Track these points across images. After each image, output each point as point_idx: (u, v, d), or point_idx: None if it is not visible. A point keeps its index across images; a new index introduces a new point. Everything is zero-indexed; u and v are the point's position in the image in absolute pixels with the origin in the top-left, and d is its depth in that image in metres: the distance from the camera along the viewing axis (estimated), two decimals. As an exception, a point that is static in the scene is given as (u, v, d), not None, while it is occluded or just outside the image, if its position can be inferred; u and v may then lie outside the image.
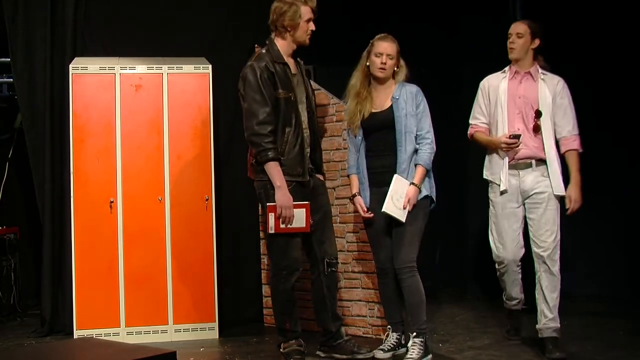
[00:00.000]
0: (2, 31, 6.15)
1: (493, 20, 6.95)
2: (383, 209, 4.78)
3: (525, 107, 5.00)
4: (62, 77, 6.07)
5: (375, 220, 5.00)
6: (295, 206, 4.77)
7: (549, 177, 4.95)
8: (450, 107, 7.01)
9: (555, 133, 5.00)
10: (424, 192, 4.92)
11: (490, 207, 5.17)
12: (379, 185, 4.94)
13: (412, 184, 4.85)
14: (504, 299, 5.37)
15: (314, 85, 5.99)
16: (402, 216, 4.82)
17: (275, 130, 4.79)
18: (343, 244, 5.76)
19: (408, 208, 4.83)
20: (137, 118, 5.78)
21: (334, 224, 5.74)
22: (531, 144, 4.97)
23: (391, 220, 4.90)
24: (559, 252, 4.96)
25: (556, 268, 4.94)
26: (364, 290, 5.67)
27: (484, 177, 5.20)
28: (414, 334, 4.85)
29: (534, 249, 5.00)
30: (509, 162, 5.01)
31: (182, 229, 5.82)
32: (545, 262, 4.92)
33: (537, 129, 4.96)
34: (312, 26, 4.94)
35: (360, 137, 5.02)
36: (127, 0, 6.34)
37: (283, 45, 4.95)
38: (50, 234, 6.11)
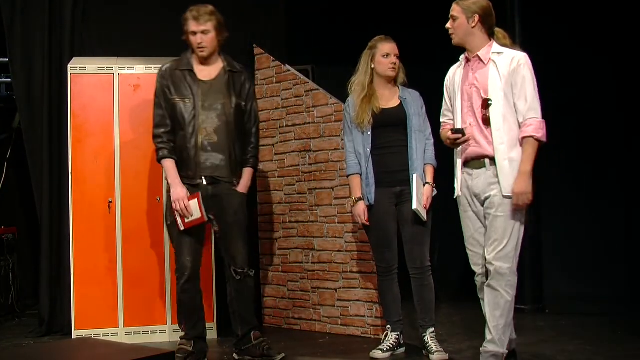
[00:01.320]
0: (1, 31, 6.14)
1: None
2: (414, 207, 4.80)
3: (475, 96, 4.35)
4: (60, 77, 6.07)
5: (382, 221, 5.00)
6: (188, 198, 4.86)
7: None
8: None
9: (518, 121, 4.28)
10: (434, 191, 5.01)
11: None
12: (389, 185, 4.97)
13: (427, 183, 4.95)
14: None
15: (312, 85, 6.00)
16: (425, 215, 4.88)
17: (171, 131, 4.95)
18: (342, 244, 5.76)
19: (427, 207, 4.92)
20: (135, 118, 5.77)
21: (333, 224, 5.77)
22: (482, 140, 4.30)
23: (399, 220, 4.95)
24: (509, 265, 4.23)
25: (502, 284, 4.22)
26: (363, 290, 5.67)
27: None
28: (432, 329, 4.98)
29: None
30: (462, 162, 4.44)
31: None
32: (491, 277, 4.28)
33: (486, 121, 4.28)
34: (196, 39, 5.01)
35: (369, 133, 5.00)
36: (125, 0, 6.33)
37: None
38: (49, 234, 6.11)
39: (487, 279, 4.32)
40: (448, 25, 4.40)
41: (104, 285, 5.70)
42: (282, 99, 6.18)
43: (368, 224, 5.04)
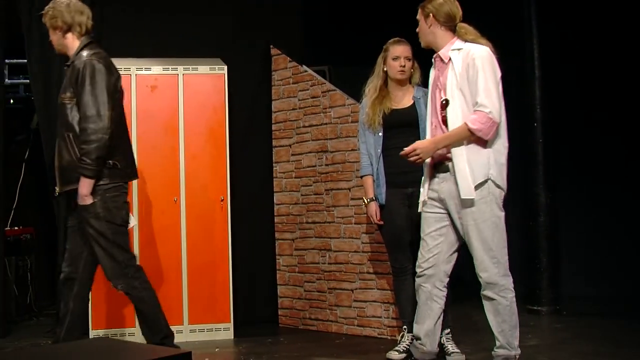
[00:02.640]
0: (19, 32, 6.18)
1: (507, 22, 6.95)
2: (420, 210, 4.70)
3: (437, 97, 4.27)
4: (77, 78, 6.08)
5: (395, 220, 5.00)
6: None
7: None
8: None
9: None
10: None
11: None
12: (400, 186, 4.95)
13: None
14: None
15: (329, 86, 6.00)
16: None
17: None
18: (358, 245, 5.76)
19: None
20: (152, 119, 5.79)
21: (349, 225, 5.76)
22: None
23: (412, 221, 4.91)
24: (496, 271, 4.20)
25: (495, 291, 4.20)
26: (379, 291, 5.66)
27: None
28: (447, 330, 4.96)
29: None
30: (430, 164, 4.35)
31: (198, 229, 5.82)
32: (483, 287, 4.25)
33: (445, 122, 4.19)
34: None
35: (380, 134, 5.00)
36: (142, 1, 6.35)
37: None
38: (65, 235, 6.12)
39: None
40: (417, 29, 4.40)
41: (121, 285, 5.71)
42: (299, 100, 6.18)
43: (381, 223, 5.04)
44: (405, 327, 5.09)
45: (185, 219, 5.81)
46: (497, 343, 4.26)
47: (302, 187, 6.15)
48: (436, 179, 4.29)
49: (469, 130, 4.06)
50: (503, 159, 4.21)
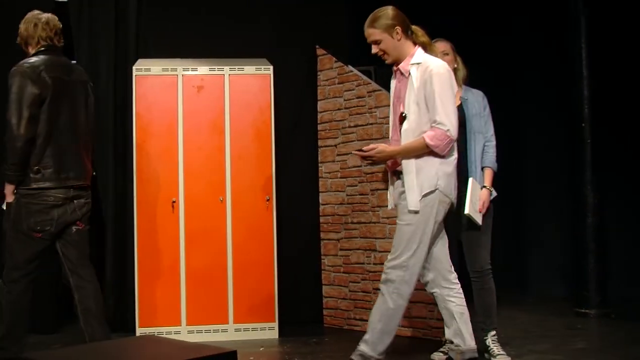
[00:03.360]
0: (68, 35, 6.26)
1: (554, 20, 6.88)
2: (466, 212, 4.73)
3: (397, 110, 4.35)
4: (125, 79, 6.17)
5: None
6: None
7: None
8: (506, 107, 6.94)
9: None
10: (493, 194, 4.92)
11: None
12: None
13: (484, 187, 4.87)
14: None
15: (374, 86, 6.00)
16: (479, 219, 4.81)
17: None
18: (403, 246, 5.73)
19: (483, 211, 4.84)
20: (198, 119, 5.84)
21: (394, 225, 5.71)
22: None
23: (457, 223, 4.88)
24: (401, 274, 4.20)
25: (390, 290, 4.22)
26: (424, 292, 5.60)
27: None
28: (493, 332, 4.92)
29: None
30: (390, 171, 4.46)
31: (243, 229, 5.85)
32: (382, 281, 4.28)
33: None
34: None
35: None
36: (189, 2, 6.40)
37: None
38: (113, 233, 6.21)
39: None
40: (374, 50, 4.34)
41: (167, 284, 5.77)
42: (344, 100, 6.18)
43: None
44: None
45: (231, 219, 5.84)
46: (365, 337, 4.27)
47: (347, 187, 6.14)
48: (397, 186, 4.36)
49: (426, 145, 4.15)
50: (450, 169, 4.27)
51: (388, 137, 5.77)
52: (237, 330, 5.81)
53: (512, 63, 7.71)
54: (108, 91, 6.22)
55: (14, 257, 4.66)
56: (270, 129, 5.92)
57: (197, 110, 5.85)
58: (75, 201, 4.68)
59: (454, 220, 4.92)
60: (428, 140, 4.13)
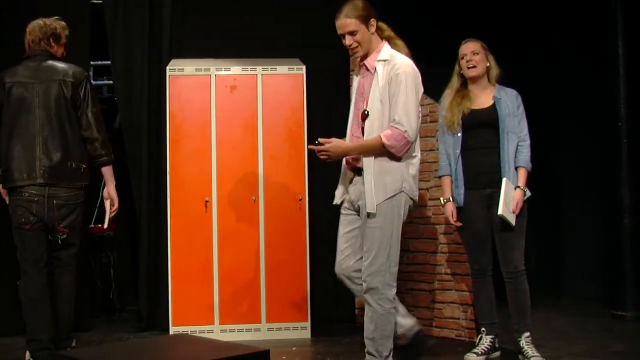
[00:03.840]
0: (103, 35, 6.32)
1: (591, 18, 6.80)
2: (500, 213, 4.68)
3: (360, 107, 4.33)
4: (159, 79, 6.21)
5: (474, 223, 4.94)
6: None
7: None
8: (541, 106, 6.86)
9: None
10: (527, 194, 4.85)
11: None
12: (478, 187, 4.89)
13: (518, 187, 4.80)
14: None
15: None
16: (513, 220, 4.76)
17: None
18: (437, 246, 5.71)
19: (516, 212, 4.78)
20: (231, 119, 5.85)
21: (428, 225, 5.73)
22: None
23: (491, 223, 4.86)
24: (381, 279, 4.18)
25: (375, 298, 4.20)
26: (457, 293, 5.61)
27: None
28: (527, 334, 4.85)
29: None
30: (347, 168, 4.46)
31: (276, 228, 5.86)
32: (365, 290, 4.24)
33: (363, 133, 4.26)
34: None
35: (459, 135, 4.94)
36: (222, 3, 6.43)
37: None
38: (147, 232, 6.25)
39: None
40: (348, 42, 4.25)
41: (200, 283, 5.79)
42: (376, 100, 6.15)
43: (459, 224, 4.99)
44: (483, 329, 5.02)
45: (264, 218, 5.85)
46: (366, 349, 4.27)
47: (379, 187, 6.12)
48: (351, 182, 4.39)
49: (382, 144, 4.11)
50: (415, 170, 4.28)
51: (420, 137, 5.77)
52: (269, 329, 5.82)
53: (548, 62, 7.64)
54: (142, 91, 6.27)
55: (18, 250, 4.89)
56: (303, 129, 5.92)
57: (230, 110, 5.87)
58: (54, 201, 4.83)
59: (486, 221, 4.93)
60: (384, 140, 4.10)
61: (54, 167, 4.83)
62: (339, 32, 4.31)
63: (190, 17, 6.37)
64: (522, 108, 4.95)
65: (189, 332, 5.62)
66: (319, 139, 4.27)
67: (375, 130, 4.17)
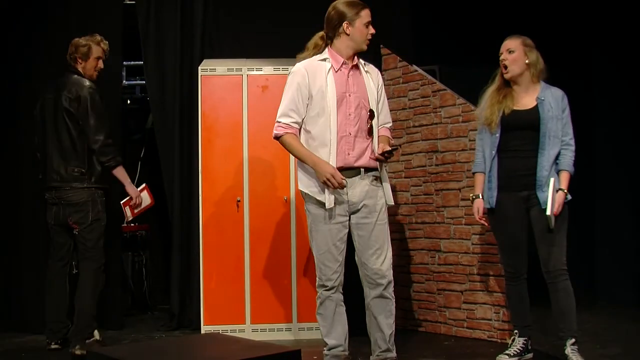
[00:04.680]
0: (136, 36, 6.37)
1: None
2: (547, 213, 4.60)
3: (357, 105, 4.48)
4: (191, 79, 6.24)
5: (508, 225, 4.81)
6: (140, 190, 5.72)
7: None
8: (579, 105, 6.77)
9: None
10: (569, 197, 4.71)
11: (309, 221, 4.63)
12: (514, 189, 4.75)
13: (560, 189, 4.67)
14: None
15: (439, 85, 5.95)
16: (552, 222, 4.67)
17: None
18: (468, 246, 5.68)
19: (557, 214, 4.66)
20: (263, 118, 5.86)
21: (459, 225, 5.71)
22: (361, 150, 4.47)
23: (529, 225, 4.77)
24: (391, 272, 4.47)
25: (391, 291, 4.48)
26: (489, 293, 5.57)
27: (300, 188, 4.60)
28: (572, 340, 4.67)
29: (364, 271, 4.52)
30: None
31: (307, 228, 5.85)
32: (385, 287, 4.46)
33: (370, 132, 4.47)
34: (100, 64, 5.59)
35: (497, 135, 4.80)
36: (253, 3, 6.44)
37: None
38: (179, 232, 6.28)
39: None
40: (372, 31, 4.53)
41: (232, 282, 5.81)
42: (409, 100, 6.15)
43: (483, 222, 4.93)
44: (516, 331, 4.94)
45: (295, 218, 5.85)
46: (384, 346, 4.52)
47: (411, 187, 6.11)
48: (353, 187, 4.43)
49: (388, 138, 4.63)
50: None
51: (453, 137, 5.77)
52: (301, 329, 5.82)
53: (586, 59, 7.55)
54: (174, 91, 6.31)
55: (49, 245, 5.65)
56: (334, 129, 5.91)
57: (262, 109, 5.88)
58: (62, 202, 5.39)
59: (522, 224, 4.81)
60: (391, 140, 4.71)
61: (60, 172, 5.40)
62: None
63: (222, 17, 6.39)
64: (568, 110, 4.76)
65: (220, 331, 5.64)
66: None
67: (377, 128, 4.51)
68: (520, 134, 4.75)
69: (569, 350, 4.65)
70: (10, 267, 6.37)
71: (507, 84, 4.84)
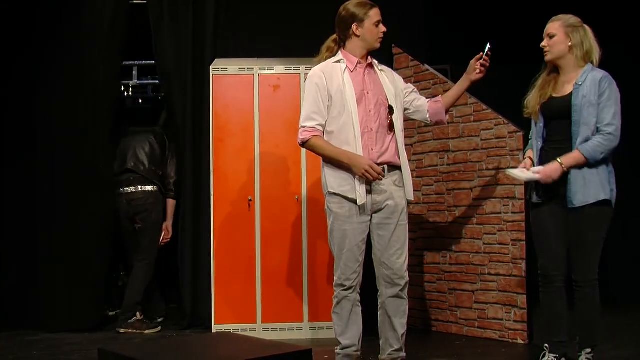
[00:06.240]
0: (148, 36, 6.38)
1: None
2: (510, 171, 4.53)
3: (377, 102, 4.45)
4: (202, 78, 6.24)
5: (544, 222, 4.47)
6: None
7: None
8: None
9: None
10: (602, 196, 4.30)
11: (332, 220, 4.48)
12: (552, 185, 4.36)
13: (558, 161, 4.29)
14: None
15: (451, 85, 5.90)
16: (517, 174, 4.46)
17: None
18: (480, 246, 5.66)
19: (534, 172, 4.37)
20: (275, 118, 5.87)
21: (471, 225, 5.69)
22: (383, 147, 4.44)
23: (566, 226, 4.41)
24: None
25: (406, 292, 4.51)
26: (501, 293, 5.55)
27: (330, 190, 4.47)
28: (588, 350, 4.46)
29: (383, 270, 4.49)
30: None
31: (319, 228, 5.85)
32: (402, 288, 4.48)
33: (391, 128, 4.44)
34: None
35: (541, 125, 4.47)
36: (265, 3, 6.44)
37: None
38: (191, 231, 6.29)
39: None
40: (384, 29, 4.55)
41: (243, 281, 5.82)
42: (420, 99, 6.13)
43: (529, 168, 4.47)
44: (547, 345, 4.55)
45: (307, 217, 5.85)
46: (397, 345, 4.54)
47: (423, 186, 6.10)
48: (378, 186, 4.40)
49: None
50: None
51: (464, 137, 5.75)
52: (312, 328, 5.82)
53: (607, 57, 7.47)
54: (186, 91, 6.31)
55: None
56: (346, 128, 5.90)
57: (273, 109, 5.88)
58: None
59: (559, 223, 4.45)
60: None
61: None
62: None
63: (234, 16, 6.40)
64: (608, 94, 4.28)
65: (231, 330, 5.65)
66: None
67: (399, 122, 4.47)
68: (558, 123, 4.42)
69: (583, 358, 4.46)
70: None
71: (556, 69, 4.50)
